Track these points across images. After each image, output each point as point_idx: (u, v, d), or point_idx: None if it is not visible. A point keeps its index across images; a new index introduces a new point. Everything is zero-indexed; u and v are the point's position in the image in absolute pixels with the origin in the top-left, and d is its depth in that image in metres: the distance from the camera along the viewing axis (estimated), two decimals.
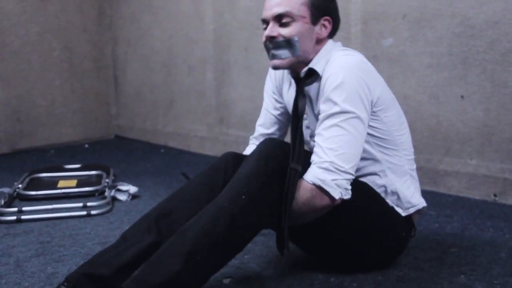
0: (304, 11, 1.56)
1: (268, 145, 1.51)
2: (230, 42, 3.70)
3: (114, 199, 2.68)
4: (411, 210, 1.65)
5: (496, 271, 1.65)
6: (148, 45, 4.51)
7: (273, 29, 1.57)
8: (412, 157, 1.70)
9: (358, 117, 1.49)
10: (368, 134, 1.56)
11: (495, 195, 2.46)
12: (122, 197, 2.70)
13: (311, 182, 1.46)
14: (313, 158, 1.50)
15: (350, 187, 1.48)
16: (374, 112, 1.56)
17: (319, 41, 1.62)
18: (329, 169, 1.45)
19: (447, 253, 1.82)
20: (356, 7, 2.88)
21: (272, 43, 1.58)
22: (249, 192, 1.42)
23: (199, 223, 1.39)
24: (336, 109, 1.48)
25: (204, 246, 1.35)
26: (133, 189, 2.74)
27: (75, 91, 4.68)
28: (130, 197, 2.71)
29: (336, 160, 1.45)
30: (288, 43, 1.56)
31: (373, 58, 2.83)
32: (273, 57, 1.60)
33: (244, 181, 1.44)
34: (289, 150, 1.50)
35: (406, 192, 1.63)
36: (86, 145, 4.61)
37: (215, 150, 3.85)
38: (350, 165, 1.47)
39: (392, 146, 1.61)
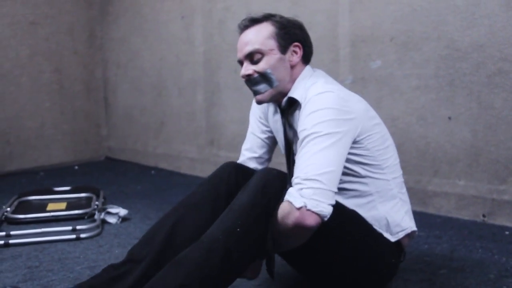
0: (271, 44, 1.62)
1: (266, 175, 1.49)
2: (220, 64, 3.73)
3: (103, 222, 2.67)
4: (401, 235, 1.64)
5: None
6: (138, 67, 4.53)
7: (247, 68, 1.64)
8: (401, 180, 1.70)
9: (329, 134, 1.47)
10: (353, 160, 1.57)
11: (484, 216, 2.47)
12: (112, 220, 2.69)
13: (284, 200, 1.43)
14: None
15: (324, 200, 1.39)
16: (356, 141, 1.56)
17: (294, 67, 1.66)
18: (296, 182, 1.42)
19: (437, 275, 1.82)
20: (344, 30, 2.92)
21: (250, 81, 1.65)
22: (244, 224, 1.39)
23: (192, 255, 1.37)
24: (307, 132, 1.49)
25: (196, 280, 1.34)
26: (123, 211, 2.72)
27: (65, 113, 4.68)
28: (120, 219, 2.70)
29: (302, 173, 1.42)
30: (263, 77, 1.62)
31: (361, 80, 2.86)
32: (255, 93, 1.66)
33: (240, 213, 1.41)
34: (286, 181, 1.50)
35: (395, 216, 1.63)
36: (76, 167, 4.59)
37: (206, 171, 3.85)
38: (316, 172, 1.40)
39: (378, 170, 1.61)
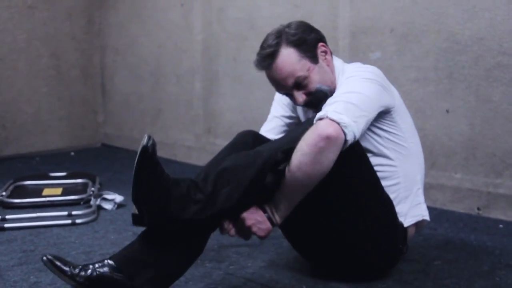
0: (304, 63, 1.63)
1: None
2: (219, 52, 3.71)
3: (99, 208, 2.67)
4: (412, 221, 1.68)
5: (478, 284, 1.66)
6: (137, 54, 4.51)
7: (300, 95, 1.65)
8: (423, 167, 1.75)
9: (369, 79, 1.55)
10: (387, 138, 1.62)
11: (478, 209, 2.48)
12: (107, 206, 2.69)
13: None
14: None
15: (350, 115, 1.44)
16: (393, 117, 1.61)
17: (329, 64, 1.70)
18: (327, 104, 1.50)
19: (431, 265, 1.83)
20: (344, 21, 2.91)
21: (311, 104, 1.66)
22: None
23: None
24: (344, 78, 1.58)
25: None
26: (119, 198, 2.72)
27: (62, 99, 4.66)
28: (116, 206, 2.70)
29: (334, 98, 1.50)
30: (318, 93, 1.63)
31: None
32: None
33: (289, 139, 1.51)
34: None
35: (414, 201, 1.65)
36: (72, 153, 4.58)
37: (202, 160, 3.84)
38: (348, 97, 1.49)
39: (407, 153, 1.65)
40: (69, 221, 2.41)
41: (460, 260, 1.88)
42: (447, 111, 2.56)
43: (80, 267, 1.42)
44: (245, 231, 1.52)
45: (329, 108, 1.46)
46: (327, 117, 1.43)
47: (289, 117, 1.86)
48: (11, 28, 4.27)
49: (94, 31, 4.85)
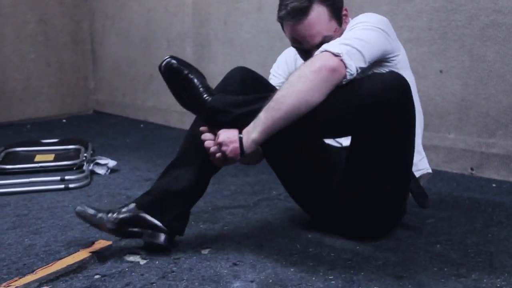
0: (333, 24, 1.62)
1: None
2: (209, 16, 3.65)
3: (92, 173, 2.66)
4: (417, 174, 1.68)
5: (470, 240, 1.68)
6: (127, 18, 4.43)
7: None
8: (422, 123, 1.75)
9: (377, 27, 1.54)
10: None
11: (472, 169, 2.49)
12: (100, 171, 2.68)
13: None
14: None
15: (353, 58, 1.44)
16: (397, 68, 1.59)
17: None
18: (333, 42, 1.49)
19: (424, 224, 1.84)
20: None
21: None
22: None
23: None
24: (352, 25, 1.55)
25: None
26: (111, 163, 2.71)
27: (51, 65, 4.60)
28: (109, 171, 2.69)
29: (338, 40, 1.49)
30: None
31: None
32: None
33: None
34: None
35: (416, 155, 1.64)
36: (64, 120, 4.55)
37: None
38: (352, 38, 1.47)
39: None
40: (62, 186, 2.40)
41: (453, 218, 1.90)
42: (441, 71, 2.54)
43: (106, 211, 1.57)
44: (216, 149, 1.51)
45: (339, 48, 1.45)
46: (332, 52, 1.43)
47: None
48: None
49: None
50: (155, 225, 1.56)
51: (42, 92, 4.55)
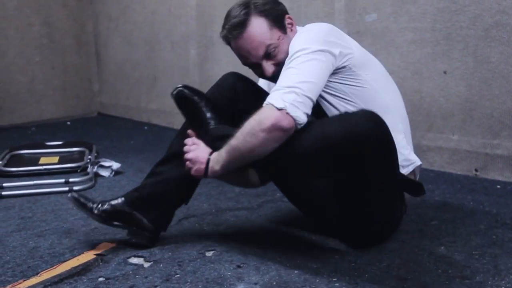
0: (275, 32, 1.61)
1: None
2: (213, 18, 3.66)
3: (96, 175, 2.66)
4: (410, 168, 1.67)
5: (475, 242, 1.67)
6: (130, 21, 4.45)
7: (268, 66, 1.62)
8: (406, 116, 1.73)
9: (315, 52, 1.50)
10: (351, 93, 1.59)
11: (476, 170, 2.49)
12: (104, 173, 2.68)
13: (265, 103, 1.46)
14: None
15: (302, 108, 1.42)
16: (353, 71, 1.58)
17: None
18: (278, 89, 1.46)
19: (428, 225, 1.84)
20: None
21: (276, 77, 1.57)
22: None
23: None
24: (293, 51, 1.53)
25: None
26: (116, 165, 2.72)
27: (56, 68, 4.61)
28: (113, 173, 2.70)
29: (284, 82, 1.47)
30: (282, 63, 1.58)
31: (356, 34, 2.82)
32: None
33: None
34: None
35: (402, 150, 1.63)
36: (68, 123, 4.56)
37: None
38: (297, 81, 1.45)
39: (380, 107, 1.58)
40: (66, 188, 2.40)
41: (457, 219, 1.89)
42: (445, 72, 2.54)
43: (98, 202, 1.66)
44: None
45: (288, 98, 1.42)
46: (286, 109, 1.41)
47: None
48: None
49: None
50: (140, 220, 1.64)
51: (46, 95, 4.56)
